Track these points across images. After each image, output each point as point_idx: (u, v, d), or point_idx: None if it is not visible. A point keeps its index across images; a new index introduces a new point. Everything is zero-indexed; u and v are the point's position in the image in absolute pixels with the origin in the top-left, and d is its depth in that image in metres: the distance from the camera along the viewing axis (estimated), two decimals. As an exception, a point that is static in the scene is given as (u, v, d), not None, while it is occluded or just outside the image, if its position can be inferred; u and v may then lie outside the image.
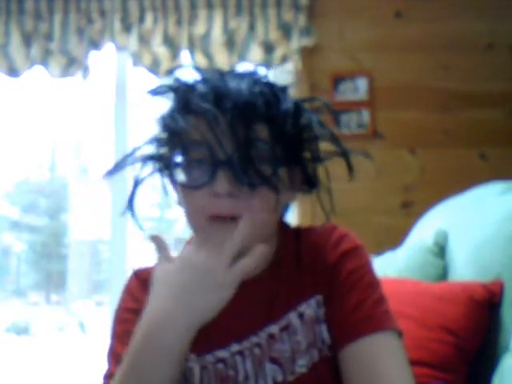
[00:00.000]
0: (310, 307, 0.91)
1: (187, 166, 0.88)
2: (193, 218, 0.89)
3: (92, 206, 5.70)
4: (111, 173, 0.92)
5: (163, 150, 0.91)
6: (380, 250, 1.99)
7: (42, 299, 6.32)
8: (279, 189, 0.85)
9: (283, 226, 0.97)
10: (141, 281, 0.97)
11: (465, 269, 1.63)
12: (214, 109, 0.83)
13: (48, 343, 5.47)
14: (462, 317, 1.43)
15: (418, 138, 2.87)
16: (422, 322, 1.45)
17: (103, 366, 0.93)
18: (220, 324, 0.84)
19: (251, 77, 0.89)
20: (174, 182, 0.90)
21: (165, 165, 0.90)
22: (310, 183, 0.93)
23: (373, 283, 0.91)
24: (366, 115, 2.88)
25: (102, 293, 5.89)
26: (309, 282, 0.92)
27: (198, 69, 0.93)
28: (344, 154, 0.91)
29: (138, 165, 0.91)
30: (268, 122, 0.85)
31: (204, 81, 0.88)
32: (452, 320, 1.44)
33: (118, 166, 0.91)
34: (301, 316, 0.91)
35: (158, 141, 0.91)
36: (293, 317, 0.91)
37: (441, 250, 1.79)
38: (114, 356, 0.91)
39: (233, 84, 0.86)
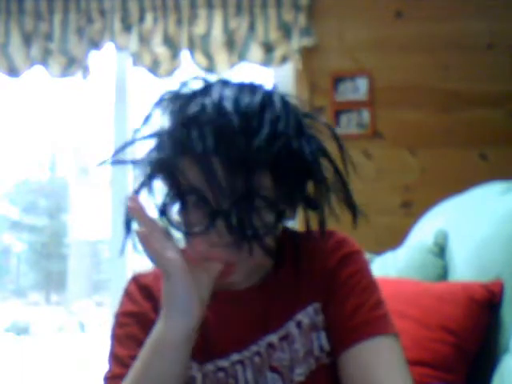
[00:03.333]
0: (307, 315, 0.91)
1: (183, 209, 0.84)
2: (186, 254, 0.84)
3: (92, 206, 5.70)
4: (113, 156, 0.88)
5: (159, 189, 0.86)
6: (380, 250, 1.99)
7: (42, 299, 6.32)
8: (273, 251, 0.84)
9: (282, 234, 0.93)
10: (140, 286, 0.96)
11: (465, 269, 1.63)
12: (212, 156, 0.77)
13: (48, 343, 5.46)
14: (462, 317, 1.43)
15: (418, 138, 2.87)
16: (422, 322, 1.45)
17: (103, 366, 0.94)
18: (219, 334, 0.83)
19: (268, 115, 0.79)
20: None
21: (161, 209, 0.85)
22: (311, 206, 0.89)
23: (369, 287, 0.90)
24: (365, 115, 2.88)
25: (102, 293, 5.89)
26: (306, 290, 0.92)
27: (205, 81, 0.86)
28: (351, 206, 0.88)
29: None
30: (274, 172, 0.80)
31: (207, 110, 0.79)
32: (452, 320, 1.44)
33: (120, 150, 0.88)
34: (299, 324, 0.91)
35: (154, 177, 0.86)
36: (291, 326, 0.91)
37: (441, 250, 1.79)
38: (115, 358, 0.91)
39: (242, 122, 0.77)
